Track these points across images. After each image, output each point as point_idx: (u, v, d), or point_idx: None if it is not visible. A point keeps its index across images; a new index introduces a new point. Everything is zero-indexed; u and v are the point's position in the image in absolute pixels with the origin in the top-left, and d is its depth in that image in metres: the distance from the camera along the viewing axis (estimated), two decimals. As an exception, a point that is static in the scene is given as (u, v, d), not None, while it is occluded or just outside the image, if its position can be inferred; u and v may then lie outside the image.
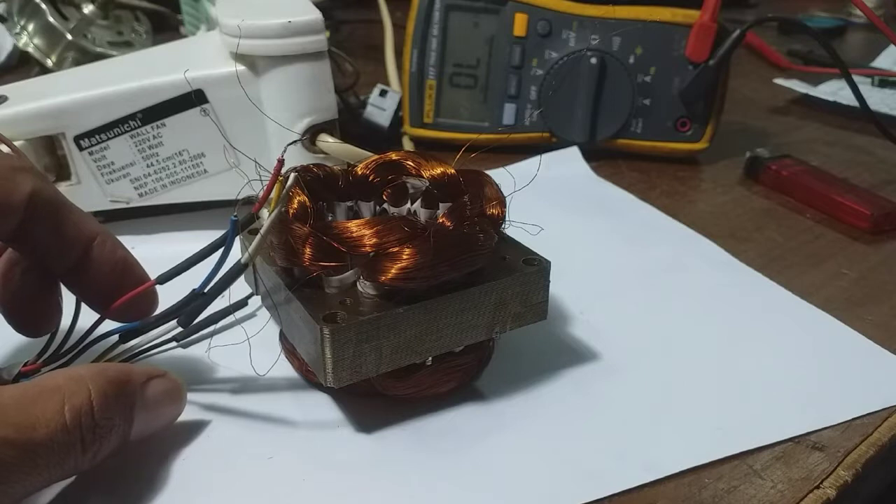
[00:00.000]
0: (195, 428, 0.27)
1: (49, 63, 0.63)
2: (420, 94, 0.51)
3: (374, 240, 0.25)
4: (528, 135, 0.51)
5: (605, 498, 0.24)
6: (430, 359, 0.27)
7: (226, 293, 0.25)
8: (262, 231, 0.24)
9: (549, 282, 0.28)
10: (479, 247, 0.25)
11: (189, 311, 0.25)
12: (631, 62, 0.48)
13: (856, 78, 0.49)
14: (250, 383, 0.29)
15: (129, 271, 0.27)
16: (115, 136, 0.37)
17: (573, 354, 0.31)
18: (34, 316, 0.27)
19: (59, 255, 0.26)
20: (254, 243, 0.24)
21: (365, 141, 0.38)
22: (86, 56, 0.63)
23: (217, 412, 0.27)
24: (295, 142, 0.37)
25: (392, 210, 0.30)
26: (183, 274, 0.26)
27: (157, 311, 0.27)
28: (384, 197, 0.29)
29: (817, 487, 0.25)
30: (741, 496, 0.24)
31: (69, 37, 0.63)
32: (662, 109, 0.49)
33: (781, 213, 0.44)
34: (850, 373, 0.30)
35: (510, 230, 0.29)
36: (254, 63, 0.37)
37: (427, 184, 0.28)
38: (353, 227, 0.25)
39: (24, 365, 0.26)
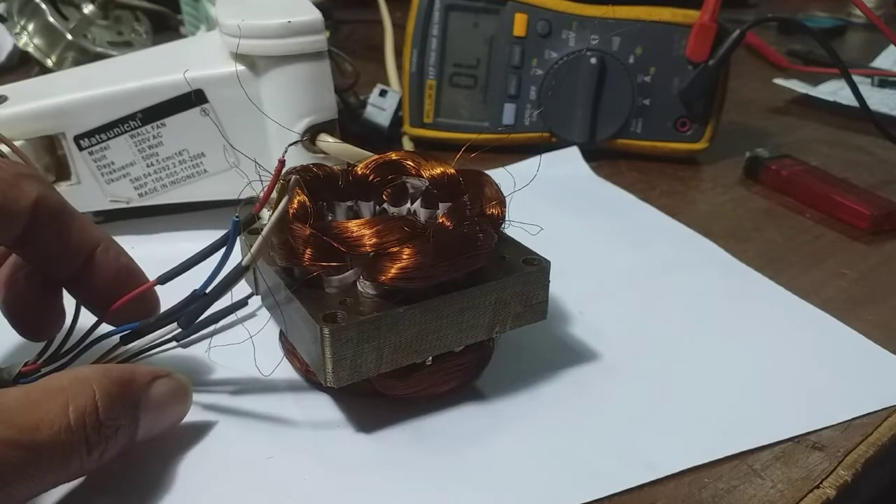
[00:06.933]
0: (195, 428, 0.27)
1: (49, 63, 0.63)
2: (420, 94, 0.51)
3: (374, 240, 0.25)
4: (528, 135, 0.51)
5: (605, 498, 0.24)
6: (430, 359, 0.27)
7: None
8: (263, 233, 0.24)
9: (549, 282, 0.28)
10: (479, 247, 0.26)
11: (190, 313, 0.25)
12: (631, 62, 0.48)
13: (855, 78, 0.49)
14: (251, 383, 0.29)
15: (132, 278, 0.27)
16: (115, 136, 0.38)
17: (573, 354, 0.31)
18: (37, 320, 0.28)
19: (63, 261, 0.26)
20: (255, 245, 0.24)
21: (365, 141, 0.38)
22: (86, 56, 0.63)
23: (217, 412, 0.28)
24: (296, 142, 0.37)
25: (392, 210, 0.30)
26: (184, 274, 0.26)
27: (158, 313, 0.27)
28: (384, 197, 0.29)
29: (817, 487, 0.25)
30: (741, 496, 0.24)
31: (69, 37, 0.63)
32: (662, 109, 0.49)
33: (781, 213, 0.44)
34: (850, 373, 0.30)
35: (510, 230, 0.29)
36: (254, 63, 0.37)
37: (427, 184, 0.28)
38: (353, 226, 0.25)
39: (25, 365, 0.26)
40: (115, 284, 0.27)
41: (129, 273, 0.27)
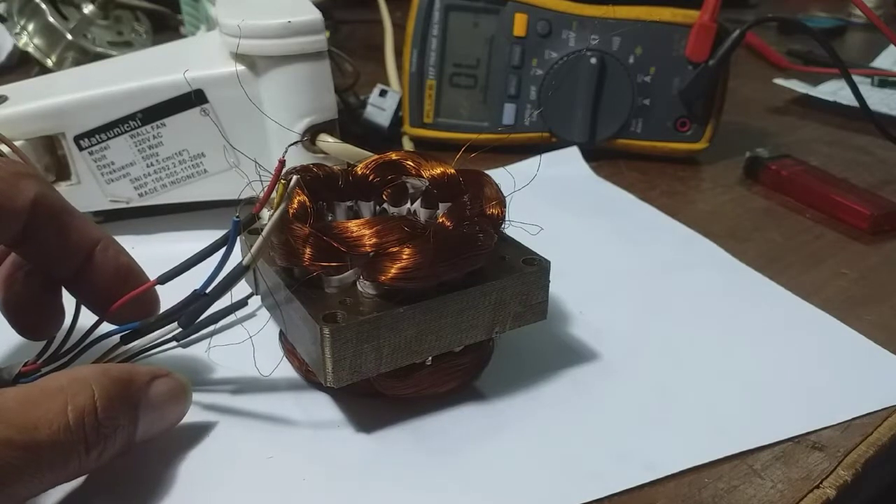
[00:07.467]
0: (195, 428, 0.27)
1: (49, 63, 0.63)
2: (420, 94, 0.51)
3: (374, 240, 0.25)
4: (528, 135, 0.51)
5: (605, 498, 0.24)
6: (430, 359, 0.27)
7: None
8: (264, 233, 0.24)
9: (548, 282, 0.28)
10: (478, 247, 0.26)
11: (190, 312, 0.25)
12: (631, 62, 0.48)
13: (855, 78, 0.49)
14: (250, 383, 0.29)
15: (132, 277, 0.27)
16: (115, 136, 0.38)
17: (573, 354, 0.31)
18: (37, 319, 0.27)
19: (63, 260, 0.26)
20: (255, 245, 0.24)
21: (365, 141, 0.38)
22: (86, 56, 0.63)
23: (217, 412, 0.28)
24: (296, 142, 0.37)
25: (392, 210, 0.30)
26: (184, 274, 0.26)
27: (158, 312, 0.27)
28: (384, 197, 0.29)
29: (817, 487, 0.25)
30: (741, 496, 0.24)
31: (69, 37, 0.63)
32: (662, 109, 0.49)
33: (781, 213, 0.44)
34: (850, 373, 0.30)
35: (510, 230, 0.29)
36: (254, 63, 0.37)
37: (427, 184, 0.28)
38: (353, 226, 0.25)
39: (24, 365, 0.26)
40: (115, 283, 0.27)
41: (130, 272, 0.27)
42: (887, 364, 0.31)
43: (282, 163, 0.25)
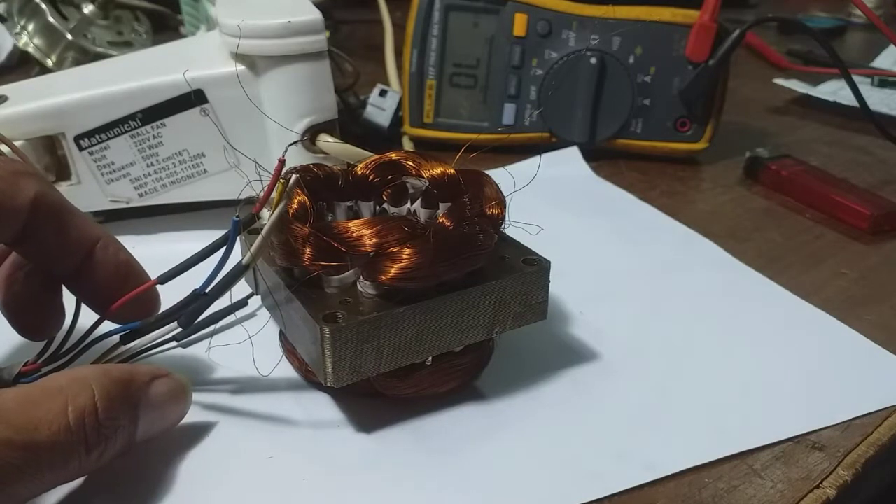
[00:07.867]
0: (195, 428, 0.27)
1: (49, 63, 0.63)
2: (420, 94, 0.51)
3: (374, 240, 0.25)
4: (528, 135, 0.51)
5: (605, 498, 0.24)
6: (430, 359, 0.27)
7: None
8: (263, 232, 0.24)
9: (548, 282, 0.28)
10: (478, 247, 0.26)
11: (190, 312, 0.25)
12: (631, 62, 0.48)
13: (855, 78, 0.49)
14: (250, 383, 0.29)
15: (132, 275, 0.27)
16: (115, 136, 0.38)
17: (573, 354, 0.31)
18: (37, 319, 0.28)
19: (62, 259, 0.26)
20: (255, 244, 0.24)
21: (365, 141, 0.38)
22: (86, 56, 0.63)
23: (217, 412, 0.28)
24: (296, 142, 0.37)
25: (392, 210, 0.30)
26: (184, 274, 0.26)
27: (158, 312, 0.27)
28: (384, 197, 0.29)
29: (817, 487, 0.25)
30: (741, 496, 0.24)
31: (69, 37, 0.63)
32: (662, 109, 0.49)
33: (781, 213, 0.44)
34: (850, 373, 0.30)
35: (510, 230, 0.29)
36: (254, 63, 0.37)
37: (427, 184, 0.28)
38: (353, 226, 0.25)
39: (24, 365, 0.26)
40: (116, 281, 0.27)
41: (130, 269, 0.27)
42: (887, 364, 0.31)
43: (282, 162, 0.25)
